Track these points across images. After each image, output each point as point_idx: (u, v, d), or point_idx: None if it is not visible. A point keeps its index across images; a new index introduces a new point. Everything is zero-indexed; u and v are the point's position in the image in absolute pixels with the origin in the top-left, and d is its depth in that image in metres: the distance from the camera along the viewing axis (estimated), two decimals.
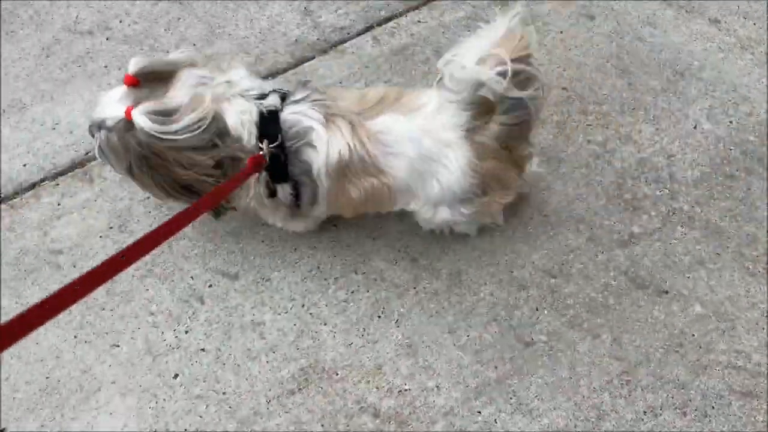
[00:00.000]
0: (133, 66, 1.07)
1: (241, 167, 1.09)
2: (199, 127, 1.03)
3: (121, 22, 1.73)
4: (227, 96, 1.10)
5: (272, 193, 1.17)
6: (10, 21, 1.72)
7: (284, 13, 1.77)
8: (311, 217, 1.32)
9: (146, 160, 1.06)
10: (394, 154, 1.13)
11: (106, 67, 1.66)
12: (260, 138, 1.09)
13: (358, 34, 1.74)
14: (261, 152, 1.08)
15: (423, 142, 1.12)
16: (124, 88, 1.08)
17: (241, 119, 1.09)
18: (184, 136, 1.03)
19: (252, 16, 1.76)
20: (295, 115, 1.11)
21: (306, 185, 1.16)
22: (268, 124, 1.09)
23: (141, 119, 1.01)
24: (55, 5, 1.75)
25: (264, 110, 1.10)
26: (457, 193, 1.17)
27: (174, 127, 1.02)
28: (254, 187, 1.16)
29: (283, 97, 1.14)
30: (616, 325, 1.35)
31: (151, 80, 1.08)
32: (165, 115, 1.03)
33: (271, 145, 1.09)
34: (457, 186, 1.15)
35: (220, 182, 1.08)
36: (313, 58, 1.70)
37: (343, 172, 1.14)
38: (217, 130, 1.06)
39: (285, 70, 1.67)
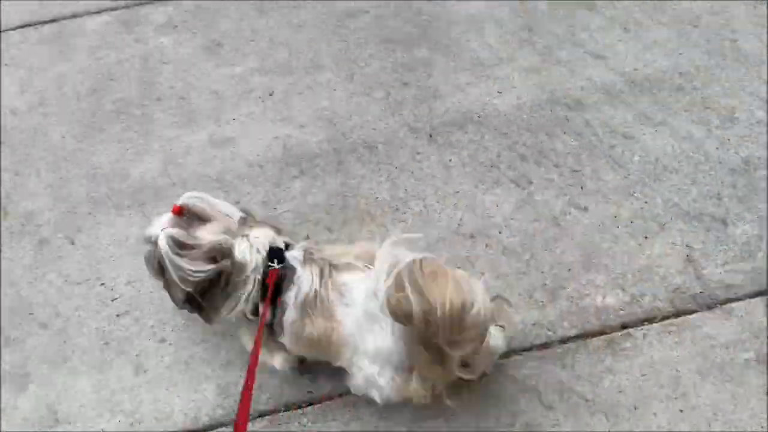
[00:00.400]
0: (182, 199, 1.37)
1: (235, 284, 1.35)
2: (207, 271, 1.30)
3: (500, 233, 1.85)
4: (242, 234, 1.37)
5: (255, 311, 1.37)
6: (402, 211, 1.94)
7: (665, 256, 1.73)
8: (283, 351, 1.46)
9: (162, 270, 1.32)
10: (346, 305, 1.31)
11: (483, 273, 1.76)
12: (270, 259, 1.35)
13: (749, 297, 1.62)
14: (275, 267, 1.33)
15: (370, 300, 1.24)
16: (170, 215, 1.35)
17: (249, 250, 1.35)
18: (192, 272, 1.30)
19: (630, 252, 1.76)
20: (288, 258, 1.37)
21: (279, 311, 1.36)
22: (274, 252, 1.36)
23: (161, 241, 1.28)
24: (443, 205, 1.94)
25: (272, 245, 1.38)
26: (388, 356, 1.27)
27: (182, 262, 1.29)
28: (243, 303, 1.36)
29: (287, 246, 1.40)
30: None
31: (193, 215, 1.36)
32: (181, 245, 1.29)
33: (279, 265, 1.34)
34: (387, 347, 1.26)
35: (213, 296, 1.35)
36: (696, 312, 1.61)
37: (305, 308, 1.33)
38: (222, 256, 1.32)
39: (663, 318, 1.61)
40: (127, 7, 2.76)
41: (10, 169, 2.17)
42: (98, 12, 2.75)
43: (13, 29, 2.71)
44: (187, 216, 1.36)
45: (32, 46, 2.63)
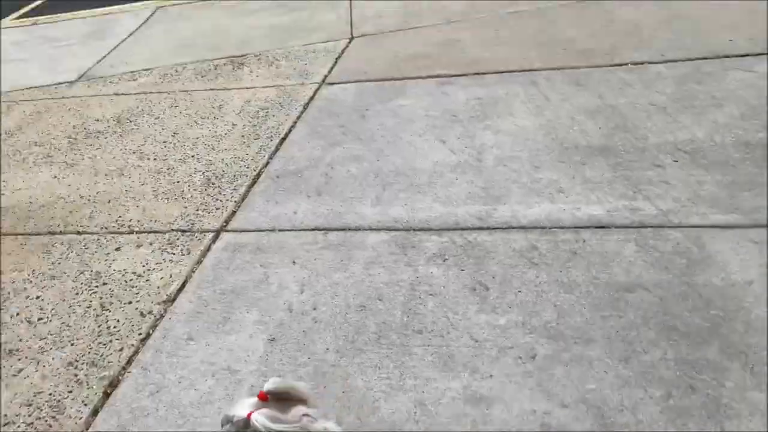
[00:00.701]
0: (267, 386, 1.48)
1: None
2: None
3: None
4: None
5: None
6: None
7: None
8: None
9: None
10: None
11: None
12: None
13: None
14: None
15: None
16: (255, 399, 1.47)
17: None
18: None
19: None
20: None
21: None
22: None
23: (257, 417, 1.41)
24: None
25: None
26: None
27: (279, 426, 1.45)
28: None
29: None
30: None
31: (277, 401, 1.47)
32: (275, 420, 1.42)
33: None
34: None
35: None
36: None
37: None
38: None
39: None
40: (405, 230, 2.98)
41: (277, 369, 2.30)
42: (379, 229, 3.01)
43: (324, 230, 3.06)
44: (271, 402, 1.48)
45: (318, 249, 2.93)
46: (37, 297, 2.89)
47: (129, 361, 2.42)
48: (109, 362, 2.43)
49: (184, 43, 5.91)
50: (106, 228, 3.30)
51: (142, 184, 3.66)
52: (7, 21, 7.85)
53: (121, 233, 3.24)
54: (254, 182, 3.54)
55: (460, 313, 2.47)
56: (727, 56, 4.00)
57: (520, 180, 3.26)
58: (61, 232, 3.33)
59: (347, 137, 3.89)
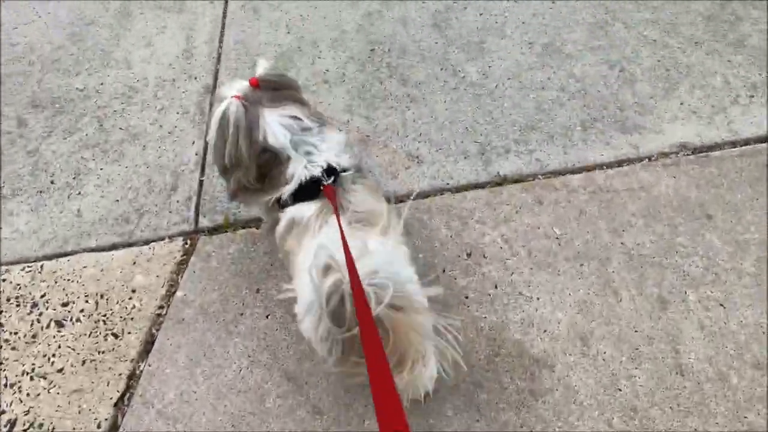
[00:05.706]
0: (259, 70, 1.42)
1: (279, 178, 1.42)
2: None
3: None
4: (301, 148, 1.40)
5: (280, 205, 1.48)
6: None
7: None
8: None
9: (222, 133, 1.37)
10: (312, 238, 1.36)
11: None
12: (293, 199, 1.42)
13: None
14: (329, 184, 1.40)
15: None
16: (246, 83, 1.38)
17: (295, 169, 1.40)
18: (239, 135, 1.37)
19: None
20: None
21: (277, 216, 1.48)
22: (305, 188, 1.38)
23: (232, 107, 1.34)
24: None
25: (308, 177, 1.38)
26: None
27: (241, 137, 1.36)
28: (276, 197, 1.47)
29: (331, 172, 1.40)
30: None
31: (267, 89, 1.39)
32: (246, 120, 1.35)
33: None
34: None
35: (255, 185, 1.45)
36: None
37: (291, 227, 1.40)
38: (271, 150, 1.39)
39: None
40: None
41: None
42: None
43: None
44: (262, 88, 1.39)
45: None
46: None
47: None
48: None
49: None
50: None
51: None
52: None
53: None
54: None
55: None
56: None
57: None
58: None
59: None
